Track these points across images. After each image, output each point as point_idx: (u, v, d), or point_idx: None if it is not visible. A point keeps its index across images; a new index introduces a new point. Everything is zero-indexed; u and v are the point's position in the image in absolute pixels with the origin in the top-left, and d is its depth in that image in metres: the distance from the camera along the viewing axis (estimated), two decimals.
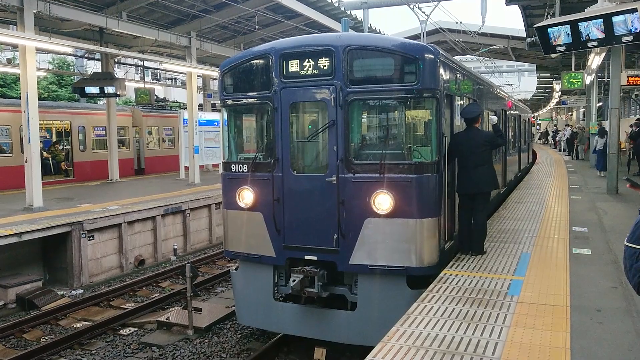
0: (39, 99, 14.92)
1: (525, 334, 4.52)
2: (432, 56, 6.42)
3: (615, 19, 9.70)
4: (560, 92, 32.41)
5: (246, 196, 7.17)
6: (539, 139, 54.24)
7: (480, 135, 7.16)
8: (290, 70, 6.83)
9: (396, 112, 7.08)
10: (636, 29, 9.53)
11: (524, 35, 22.60)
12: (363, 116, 7.29)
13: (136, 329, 9.05)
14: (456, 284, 5.96)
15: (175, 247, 14.14)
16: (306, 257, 6.79)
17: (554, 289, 5.74)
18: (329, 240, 6.62)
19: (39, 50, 18.27)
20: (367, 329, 6.49)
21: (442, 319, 4.89)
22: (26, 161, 12.77)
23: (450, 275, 6.34)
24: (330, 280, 6.80)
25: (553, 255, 7.25)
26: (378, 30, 25.37)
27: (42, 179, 13.64)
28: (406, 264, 6.35)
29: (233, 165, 7.38)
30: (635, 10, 9.34)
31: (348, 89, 6.50)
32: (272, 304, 7.20)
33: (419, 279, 6.47)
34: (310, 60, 6.71)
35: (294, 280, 6.60)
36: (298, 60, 6.78)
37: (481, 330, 4.60)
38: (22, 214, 12.22)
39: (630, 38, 9.74)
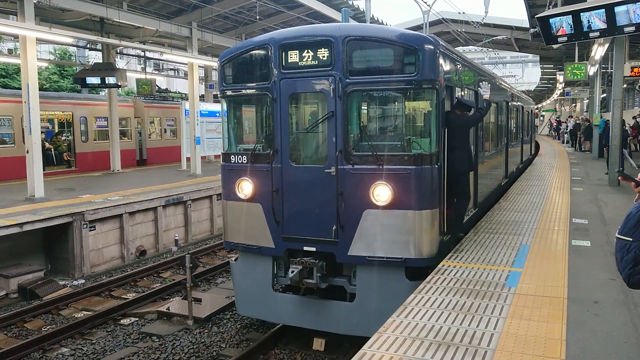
0: (41, 89, 14.94)
1: (521, 325, 4.53)
2: (432, 47, 6.38)
3: (617, 9, 9.62)
4: (563, 84, 32.23)
5: (245, 187, 7.18)
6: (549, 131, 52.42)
7: (457, 119, 7.04)
8: (289, 60, 6.81)
9: (396, 103, 7.08)
10: (639, 19, 9.45)
11: (528, 25, 22.45)
12: (362, 107, 7.27)
13: (137, 319, 9.10)
14: (454, 276, 5.96)
15: (177, 237, 14.20)
16: (305, 248, 6.81)
17: (552, 281, 5.74)
18: (328, 231, 6.63)
19: (40, 41, 18.28)
20: (366, 320, 6.51)
21: (439, 310, 4.90)
22: (27, 152, 12.79)
23: (449, 266, 6.34)
24: (329, 271, 6.82)
25: (552, 247, 7.25)
26: (380, 21, 25.23)
27: (44, 170, 13.69)
28: (405, 255, 6.36)
29: (232, 156, 7.38)
30: (638, 0, 9.26)
31: (347, 80, 6.48)
32: (271, 294, 7.23)
33: (417, 271, 6.48)
34: (309, 50, 6.68)
35: (292, 271, 6.62)
36: (297, 51, 6.75)
37: (477, 322, 4.61)
38: (23, 204, 12.26)
39: (632, 29, 9.65)
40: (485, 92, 7.88)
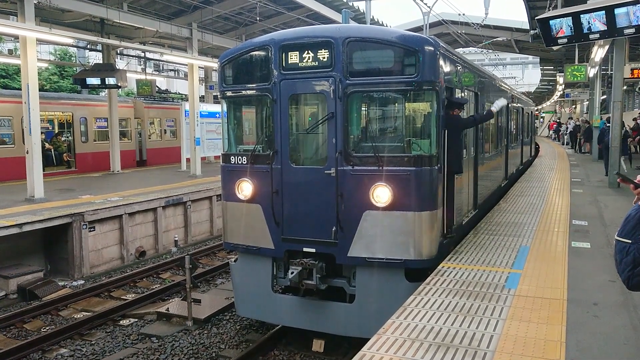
0: (41, 90, 14.93)
1: (520, 327, 4.53)
2: (432, 48, 6.38)
3: (617, 11, 9.63)
4: (563, 85, 32.25)
5: (245, 188, 7.17)
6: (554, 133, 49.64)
7: (449, 120, 6.96)
8: (289, 61, 6.80)
9: (396, 104, 7.07)
10: (639, 21, 9.45)
11: (528, 27, 22.45)
12: (362, 108, 7.27)
13: (136, 319, 9.09)
14: (454, 277, 5.96)
15: (176, 238, 14.19)
16: (305, 249, 6.80)
17: (552, 282, 5.74)
18: (328, 232, 6.62)
19: (40, 41, 18.26)
20: (365, 321, 6.50)
21: (439, 312, 4.90)
22: (27, 152, 12.79)
23: (449, 268, 6.34)
24: (329, 273, 6.81)
25: (552, 248, 7.25)
26: (381, 22, 25.25)
27: (44, 170, 13.68)
28: (404, 256, 6.35)
29: (232, 157, 7.37)
30: (637, 2, 9.26)
31: (347, 81, 6.48)
32: (271, 295, 7.22)
33: (417, 272, 6.47)
34: (309, 51, 6.68)
35: (292, 273, 6.62)
36: (297, 52, 6.75)
37: (477, 323, 4.60)
38: (23, 204, 12.26)
39: (632, 30, 9.66)
40: (495, 106, 7.89)
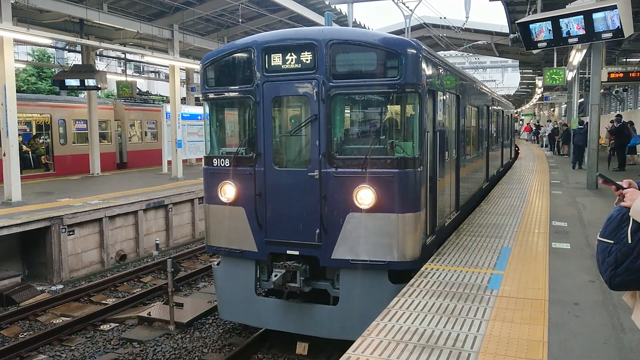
0: (19, 91, 14.63)
1: (503, 327, 4.56)
2: (415, 51, 6.42)
3: (595, 15, 9.81)
4: (542, 88, 32.74)
5: (228, 191, 7.13)
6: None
7: None
8: (272, 64, 6.79)
9: (378, 107, 7.09)
10: (616, 26, 9.64)
11: (507, 31, 22.77)
12: (345, 111, 7.29)
13: (117, 324, 8.96)
14: (437, 278, 5.99)
15: (158, 241, 14.02)
16: (288, 252, 6.78)
17: (533, 283, 5.80)
18: (311, 235, 6.61)
19: (18, 42, 17.95)
20: (349, 324, 6.50)
21: (423, 313, 4.92)
22: (4, 155, 12.53)
23: (432, 269, 6.38)
24: (313, 275, 6.80)
25: (533, 249, 7.34)
26: (363, 25, 25.34)
27: (21, 173, 13.41)
28: (388, 258, 6.37)
29: (215, 159, 7.32)
30: (615, 7, 9.45)
31: (330, 84, 6.48)
32: (254, 298, 7.18)
33: (400, 274, 6.50)
34: (292, 54, 6.67)
35: (275, 275, 6.59)
36: (280, 54, 6.73)
37: (460, 324, 4.63)
38: (0, 208, 11.99)
39: (609, 35, 9.86)
40: None
